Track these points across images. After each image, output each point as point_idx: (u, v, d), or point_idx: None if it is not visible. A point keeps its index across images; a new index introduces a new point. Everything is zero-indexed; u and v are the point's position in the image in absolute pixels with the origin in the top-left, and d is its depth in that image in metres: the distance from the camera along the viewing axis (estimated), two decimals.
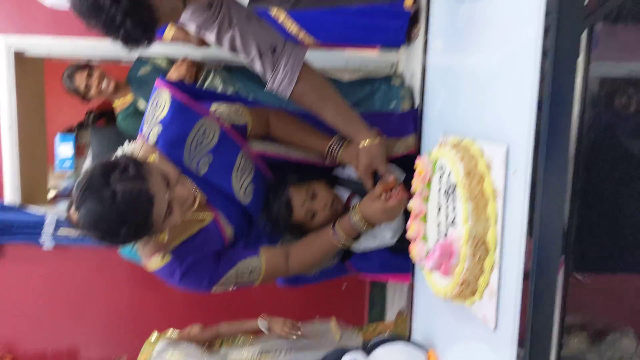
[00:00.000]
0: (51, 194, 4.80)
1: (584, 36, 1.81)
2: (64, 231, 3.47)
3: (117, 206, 1.28)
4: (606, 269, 1.79)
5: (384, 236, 1.81)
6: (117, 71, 3.60)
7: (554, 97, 0.99)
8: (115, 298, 3.80)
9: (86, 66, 3.26)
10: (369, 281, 3.87)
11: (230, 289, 1.66)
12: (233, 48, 1.61)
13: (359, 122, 1.70)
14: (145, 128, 1.61)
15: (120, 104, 3.35)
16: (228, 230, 1.65)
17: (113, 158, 1.39)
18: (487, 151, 1.19)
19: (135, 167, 1.33)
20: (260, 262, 1.65)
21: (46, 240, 3.44)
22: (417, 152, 1.86)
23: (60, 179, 5.39)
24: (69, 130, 4.82)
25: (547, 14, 1.01)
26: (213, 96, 1.79)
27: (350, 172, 1.83)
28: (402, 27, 3.12)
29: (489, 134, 1.22)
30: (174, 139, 1.56)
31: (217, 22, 1.57)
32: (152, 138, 1.57)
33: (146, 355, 2.75)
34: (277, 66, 1.62)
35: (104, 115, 4.71)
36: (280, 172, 1.76)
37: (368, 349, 1.53)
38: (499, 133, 1.17)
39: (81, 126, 4.87)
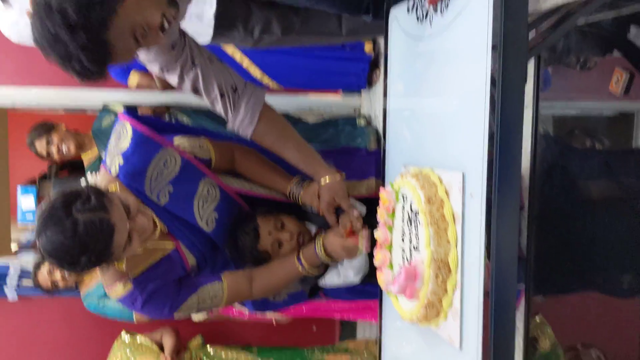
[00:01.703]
0: (13, 247, 4.71)
1: (532, 75, 1.92)
2: (28, 282, 3.42)
3: (78, 236, 1.31)
4: (565, 289, 1.86)
5: (348, 274, 1.85)
6: (84, 122, 3.62)
7: (504, 123, 1.07)
8: (80, 348, 3.72)
9: (45, 131, 3.25)
10: (339, 321, 3.89)
11: (194, 313, 1.68)
12: (195, 88, 1.66)
13: (320, 161, 1.75)
14: (107, 160, 1.65)
15: (88, 158, 3.37)
16: (190, 259, 1.67)
17: (75, 188, 1.41)
18: (445, 178, 1.26)
19: (97, 197, 1.37)
20: (222, 287, 1.68)
21: (10, 292, 3.38)
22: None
23: (22, 231, 5.30)
24: (31, 182, 4.78)
25: (494, 47, 1.09)
26: (177, 129, 1.83)
27: None
28: (363, 71, 3.25)
29: (447, 163, 1.29)
30: (134, 170, 1.59)
31: (180, 63, 1.61)
32: (114, 170, 1.60)
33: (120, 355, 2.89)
34: (238, 106, 1.67)
35: (67, 167, 4.69)
36: (249, 204, 1.79)
37: None
38: (455, 161, 1.24)
39: (43, 178, 4.83)
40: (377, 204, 1.50)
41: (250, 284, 1.72)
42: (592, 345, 2.02)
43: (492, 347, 1.16)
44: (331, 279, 1.86)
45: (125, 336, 3.22)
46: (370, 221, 1.66)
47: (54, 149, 3.22)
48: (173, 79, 1.66)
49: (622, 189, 1.94)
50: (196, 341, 3.29)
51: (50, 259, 1.35)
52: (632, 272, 1.82)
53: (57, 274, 3.16)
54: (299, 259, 1.71)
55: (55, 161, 3.59)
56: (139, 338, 3.21)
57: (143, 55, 1.62)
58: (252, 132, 1.70)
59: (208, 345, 3.24)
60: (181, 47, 1.61)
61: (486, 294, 1.17)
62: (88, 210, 1.33)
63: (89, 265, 1.36)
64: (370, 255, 1.66)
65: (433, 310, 1.26)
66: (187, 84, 1.65)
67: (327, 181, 1.70)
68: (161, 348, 3.19)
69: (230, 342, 3.38)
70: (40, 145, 3.23)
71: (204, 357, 3.16)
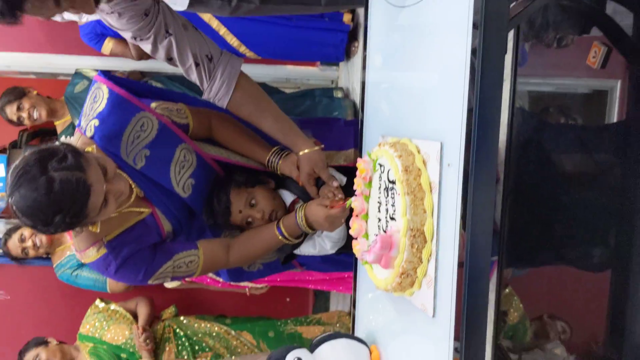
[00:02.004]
0: None
1: (511, 48, 1.93)
2: None
3: (53, 194, 1.27)
4: (537, 263, 1.89)
5: (324, 246, 1.85)
6: (55, 87, 3.55)
7: (483, 93, 1.07)
8: (52, 316, 3.70)
9: (16, 97, 3.18)
10: (313, 293, 3.91)
11: (169, 280, 1.66)
12: (169, 57, 1.62)
13: (298, 132, 1.73)
14: (82, 122, 1.60)
15: (61, 124, 3.31)
16: (166, 225, 1.65)
17: (51, 145, 1.37)
18: (423, 148, 1.26)
19: (74, 156, 1.33)
20: (197, 255, 1.66)
21: None
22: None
23: None
24: (1, 151, 4.69)
25: (476, 17, 1.09)
26: (155, 92, 1.79)
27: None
28: (341, 43, 3.22)
29: (425, 134, 1.29)
30: (110, 132, 1.55)
31: (154, 30, 1.57)
32: (89, 131, 1.56)
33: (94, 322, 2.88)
34: (213, 75, 1.63)
35: (38, 135, 4.60)
36: (227, 170, 1.77)
37: (313, 345, 1.56)
38: (433, 132, 1.24)
39: (14, 146, 4.73)
40: (355, 174, 1.50)
41: (226, 252, 1.71)
42: (558, 317, 2.06)
43: (464, 316, 1.18)
44: (307, 249, 1.86)
45: (99, 304, 3.21)
46: (348, 191, 1.66)
47: (24, 115, 3.16)
48: (146, 47, 1.62)
49: (595, 164, 1.96)
50: (169, 311, 3.29)
51: (22, 218, 1.31)
52: (603, 247, 1.86)
53: (29, 242, 3.12)
54: (279, 228, 1.70)
55: (26, 128, 3.53)
56: (113, 306, 3.20)
57: (115, 23, 1.57)
58: (228, 102, 1.66)
59: (182, 316, 3.24)
60: (154, 15, 1.57)
61: (460, 264, 1.18)
62: (64, 169, 1.29)
63: (62, 226, 1.32)
64: (348, 227, 1.67)
65: (407, 280, 1.27)
66: (161, 52, 1.61)
67: (307, 151, 1.69)
68: (135, 317, 3.18)
69: (204, 312, 3.39)
70: (11, 110, 3.16)
71: (177, 328, 3.15)
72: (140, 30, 1.57)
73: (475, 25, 1.09)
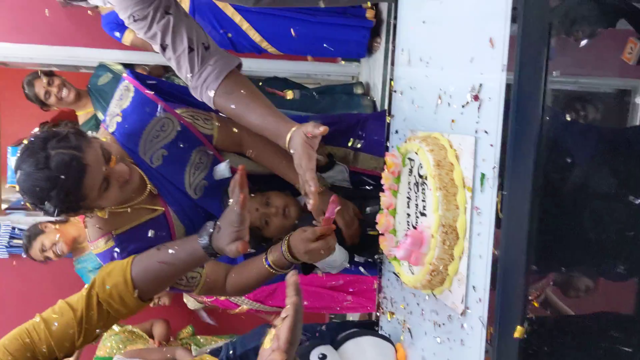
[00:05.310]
0: (3, 206, 4.68)
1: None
2: (18, 241, 3.38)
3: (48, 169, 1.30)
4: (565, 266, 1.85)
5: (330, 270, 1.84)
6: (76, 80, 3.56)
7: (521, 84, 1.04)
8: None
9: (47, 73, 3.22)
10: (328, 316, 3.70)
11: (167, 289, 1.62)
12: (163, 40, 1.51)
13: (286, 117, 1.54)
14: (107, 118, 1.63)
15: (83, 115, 3.33)
16: (178, 226, 1.64)
17: (58, 128, 1.41)
18: (456, 142, 1.22)
19: (75, 137, 1.36)
20: (201, 273, 1.64)
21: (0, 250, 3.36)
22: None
23: (12, 192, 5.27)
24: (21, 143, 4.73)
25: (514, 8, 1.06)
26: (185, 93, 1.69)
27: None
28: (363, 39, 3.19)
29: (457, 129, 1.26)
30: (131, 129, 1.57)
31: (153, 6, 1.48)
32: (111, 127, 1.59)
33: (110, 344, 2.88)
34: (206, 61, 1.54)
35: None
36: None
37: (337, 342, 1.53)
38: (468, 127, 1.21)
39: None
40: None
41: (225, 279, 1.68)
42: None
43: (497, 317, 1.14)
44: (327, 269, 1.84)
45: (115, 327, 3.16)
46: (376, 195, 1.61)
47: (54, 90, 3.17)
48: (141, 29, 1.52)
49: (625, 168, 1.92)
50: (187, 331, 3.30)
51: (23, 195, 1.36)
52: (627, 260, 1.82)
53: (50, 252, 3.09)
54: (266, 258, 1.58)
55: (47, 121, 3.53)
56: (130, 327, 3.20)
57: (116, 1, 1.49)
58: (217, 89, 1.53)
59: (199, 335, 3.24)
60: None
61: (494, 262, 1.15)
62: (62, 147, 1.33)
63: (60, 204, 1.34)
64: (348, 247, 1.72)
65: (438, 277, 1.24)
66: (156, 31, 1.50)
67: (294, 129, 1.48)
68: (151, 337, 3.18)
69: (220, 333, 3.37)
70: (40, 84, 3.18)
71: (194, 345, 3.14)
72: (140, 6, 1.47)
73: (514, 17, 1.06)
